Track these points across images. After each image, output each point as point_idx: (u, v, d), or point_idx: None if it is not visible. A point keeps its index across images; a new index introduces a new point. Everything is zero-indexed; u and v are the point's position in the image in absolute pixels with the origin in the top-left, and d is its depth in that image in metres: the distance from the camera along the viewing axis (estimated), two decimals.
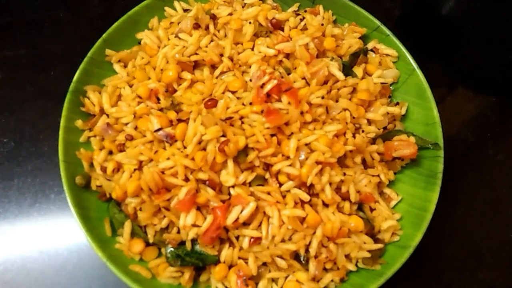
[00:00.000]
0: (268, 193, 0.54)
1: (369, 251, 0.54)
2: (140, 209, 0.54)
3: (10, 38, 0.76)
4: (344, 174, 0.56)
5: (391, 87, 0.66)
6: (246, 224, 0.53)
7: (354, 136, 0.58)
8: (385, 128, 0.63)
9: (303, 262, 0.54)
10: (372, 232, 0.57)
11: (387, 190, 0.61)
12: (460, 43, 0.80)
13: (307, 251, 0.53)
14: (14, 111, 0.70)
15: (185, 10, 0.67)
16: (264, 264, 0.54)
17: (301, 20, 0.65)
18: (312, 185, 0.54)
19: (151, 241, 0.54)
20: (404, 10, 0.85)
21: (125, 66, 0.64)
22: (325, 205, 0.55)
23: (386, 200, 0.60)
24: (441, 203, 0.57)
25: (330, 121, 0.58)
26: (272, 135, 0.55)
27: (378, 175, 0.60)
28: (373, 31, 0.68)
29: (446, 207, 0.59)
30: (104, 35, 0.63)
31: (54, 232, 0.64)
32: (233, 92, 0.58)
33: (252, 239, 0.53)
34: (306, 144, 0.55)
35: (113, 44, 0.64)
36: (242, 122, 0.55)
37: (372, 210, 0.59)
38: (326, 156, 0.54)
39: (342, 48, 0.64)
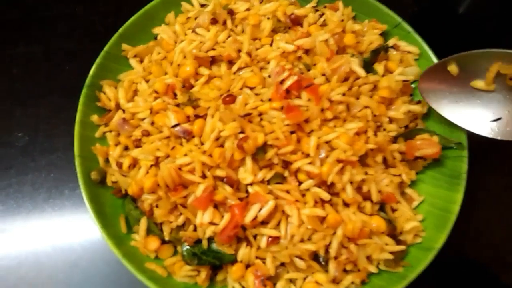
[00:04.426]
0: (287, 192, 0.53)
1: (391, 252, 0.53)
2: (157, 206, 0.54)
3: (24, 33, 0.77)
4: (366, 173, 0.54)
5: (412, 85, 0.64)
6: (264, 223, 0.52)
7: (375, 134, 0.57)
8: (406, 126, 0.61)
9: (322, 263, 0.52)
10: (393, 233, 0.56)
11: (408, 191, 0.59)
12: (477, 41, 0.78)
13: (327, 251, 0.52)
14: (29, 106, 0.71)
15: (202, 5, 0.67)
16: (282, 264, 0.53)
17: (320, 16, 0.64)
18: (332, 184, 0.53)
19: (167, 238, 0.54)
20: (420, 7, 0.84)
21: (141, 61, 0.63)
22: (346, 204, 0.54)
23: (407, 201, 0.59)
24: (463, 204, 0.56)
25: (350, 118, 0.57)
26: (291, 132, 0.54)
27: (400, 175, 0.58)
28: (394, 27, 0.66)
29: (469, 209, 0.57)
30: (120, 30, 0.63)
31: (68, 228, 0.64)
32: (251, 88, 0.57)
33: (270, 239, 0.52)
34: (327, 142, 0.54)
35: (129, 39, 0.64)
36: (261, 119, 0.55)
37: (393, 210, 0.57)
38: (347, 154, 0.53)
39: (363, 44, 0.62)
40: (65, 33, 0.77)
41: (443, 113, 0.56)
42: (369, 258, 0.53)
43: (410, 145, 0.58)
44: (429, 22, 0.81)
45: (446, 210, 0.56)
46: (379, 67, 0.62)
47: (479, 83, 0.54)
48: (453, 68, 0.54)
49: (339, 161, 0.52)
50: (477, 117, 0.55)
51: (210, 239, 0.52)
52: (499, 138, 0.54)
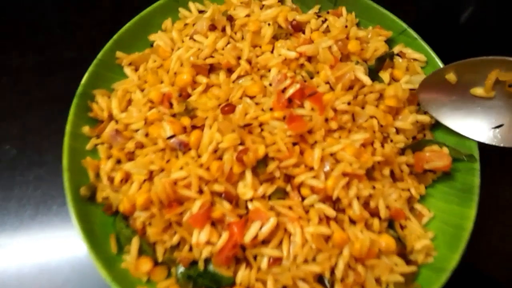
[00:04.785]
0: (290, 208, 0.50)
1: (401, 274, 0.49)
2: (150, 224, 0.51)
3: (17, 40, 0.74)
4: (373, 187, 0.51)
5: None
6: (265, 242, 0.49)
7: (382, 146, 0.54)
8: (413, 138, 0.59)
9: (328, 285, 0.49)
10: (403, 253, 0.52)
11: (417, 206, 0.56)
12: (479, 50, 0.77)
13: (332, 273, 0.49)
14: (17, 117, 0.68)
15: (200, 12, 0.65)
16: (285, 287, 0.49)
17: (323, 22, 0.62)
18: (338, 200, 0.50)
19: (160, 259, 0.51)
20: (421, 15, 0.82)
21: (137, 70, 0.62)
22: (352, 222, 0.51)
23: (417, 217, 0.56)
24: (476, 218, 0.53)
25: (356, 129, 0.54)
26: (294, 144, 0.51)
27: (408, 189, 0.55)
28: (400, 34, 0.64)
29: (482, 225, 0.54)
30: (115, 37, 0.61)
31: (56, 247, 0.60)
32: (251, 98, 0.55)
33: (271, 259, 0.49)
34: (331, 154, 0.51)
35: (124, 46, 0.62)
36: (262, 130, 0.52)
37: (402, 227, 0.54)
38: (353, 167, 0.50)
39: (367, 51, 0.60)
40: (58, 40, 0.74)
41: (443, 121, 0.56)
42: (378, 280, 0.50)
43: (419, 157, 0.56)
44: (430, 31, 0.80)
45: (459, 227, 0.53)
46: (384, 75, 0.60)
47: (478, 91, 0.53)
48: (451, 77, 0.54)
49: (345, 174, 0.50)
50: (478, 124, 0.55)
51: (207, 260, 0.50)
52: (501, 145, 0.53)
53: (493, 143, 0.53)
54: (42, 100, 0.69)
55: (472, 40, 0.75)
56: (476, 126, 0.54)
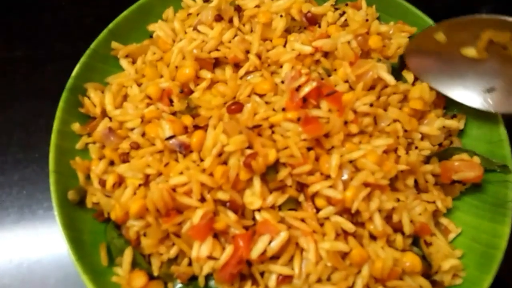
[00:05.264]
0: (302, 220, 0.46)
1: None
2: (144, 234, 0.47)
3: (3, 27, 0.70)
4: (398, 200, 0.46)
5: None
6: (274, 257, 0.45)
7: (406, 153, 0.49)
8: (439, 145, 0.54)
9: None
10: (428, 273, 0.47)
11: (443, 221, 0.52)
12: None
13: None
14: (2, 111, 0.64)
15: (205, 1, 0.61)
16: None
17: (341, 15, 0.57)
18: (357, 213, 0.45)
19: (156, 274, 0.48)
20: (445, 10, 0.78)
21: (134, 62, 0.58)
22: (373, 237, 0.47)
23: (443, 233, 0.51)
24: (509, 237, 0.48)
25: (378, 134, 0.50)
26: (308, 149, 0.47)
27: (434, 202, 0.51)
28: None
29: None
30: (110, 25, 0.57)
31: (41, 257, 0.56)
32: (261, 96, 0.51)
33: (280, 277, 0.45)
34: (351, 161, 0.47)
35: (121, 37, 0.58)
36: (273, 132, 0.48)
37: (427, 244, 0.49)
38: (376, 176, 0.45)
39: (390, 48, 0.55)
40: (50, 29, 0.70)
41: (433, 84, 0.53)
42: None
43: (446, 167, 0.51)
44: None
45: (490, 245, 0.49)
46: (408, 74, 0.55)
47: (470, 51, 0.51)
48: (440, 36, 0.51)
49: (366, 184, 0.45)
50: (469, 88, 0.52)
51: (208, 276, 0.46)
52: (492, 110, 0.51)
53: (485, 108, 0.51)
54: (29, 93, 0.65)
55: None
56: (467, 90, 0.52)
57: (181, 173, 0.46)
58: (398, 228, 0.47)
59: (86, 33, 0.58)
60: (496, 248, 0.48)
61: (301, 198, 0.47)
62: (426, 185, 0.51)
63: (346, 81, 0.51)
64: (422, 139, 0.53)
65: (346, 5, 0.59)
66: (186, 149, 0.48)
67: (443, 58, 0.52)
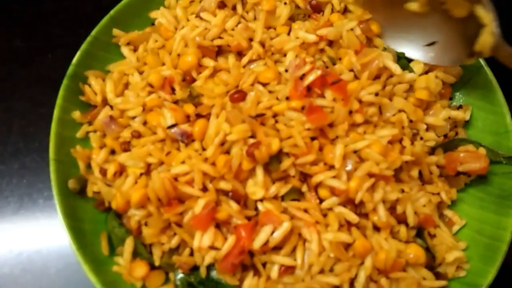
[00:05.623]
0: (305, 211, 0.46)
1: None
2: (146, 224, 0.47)
3: (3, 14, 0.69)
4: (402, 191, 0.46)
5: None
6: (276, 248, 0.45)
7: (412, 144, 0.49)
8: (445, 136, 0.53)
9: None
10: (432, 265, 0.47)
11: (448, 213, 0.52)
12: None
13: (351, 286, 0.45)
14: (2, 100, 0.63)
15: None
16: None
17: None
18: (361, 203, 0.45)
19: (157, 263, 0.47)
20: None
21: (135, 50, 0.57)
22: (376, 229, 0.46)
23: (447, 225, 0.50)
24: None
25: (382, 124, 0.49)
26: (312, 139, 0.46)
27: (438, 193, 0.50)
28: None
29: None
30: (111, 12, 0.56)
31: (41, 246, 0.56)
32: (264, 85, 0.50)
33: (283, 268, 0.45)
34: (355, 152, 0.46)
35: (122, 24, 0.57)
36: (276, 121, 0.47)
37: (431, 236, 0.49)
38: (381, 167, 0.45)
39: None
40: (50, 16, 0.69)
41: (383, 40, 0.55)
42: None
43: (451, 158, 0.50)
44: None
45: (495, 237, 0.48)
46: (415, 64, 0.53)
47: (413, 6, 0.51)
48: None
49: (370, 175, 0.45)
50: (413, 41, 0.53)
51: (210, 266, 0.46)
52: (433, 63, 0.53)
53: (427, 61, 0.52)
54: (29, 81, 0.64)
55: None
56: (411, 43, 0.53)
57: (183, 162, 0.46)
58: (402, 220, 0.47)
59: (87, 21, 0.57)
60: (501, 241, 0.47)
61: (304, 188, 0.46)
62: (430, 176, 0.50)
63: (351, 70, 0.50)
64: (427, 129, 0.52)
65: None
66: (188, 138, 0.47)
67: (388, 12, 0.53)
